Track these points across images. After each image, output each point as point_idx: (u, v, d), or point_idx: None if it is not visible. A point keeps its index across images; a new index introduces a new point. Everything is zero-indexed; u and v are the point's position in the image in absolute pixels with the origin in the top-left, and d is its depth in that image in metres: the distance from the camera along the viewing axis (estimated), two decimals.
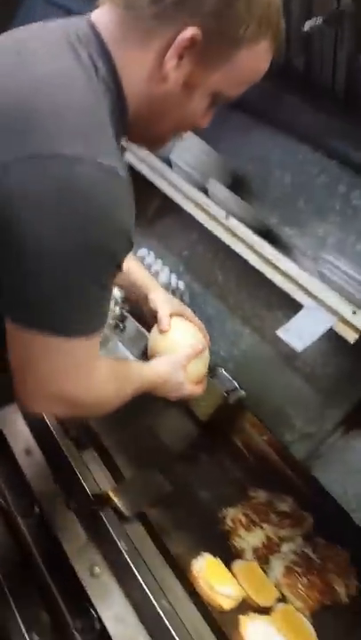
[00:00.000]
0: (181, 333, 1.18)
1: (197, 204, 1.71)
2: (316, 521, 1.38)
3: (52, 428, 1.25)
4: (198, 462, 1.51)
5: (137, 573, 0.98)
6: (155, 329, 1.20)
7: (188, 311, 1.26)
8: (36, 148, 0.62)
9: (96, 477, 1.17)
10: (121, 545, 1.01)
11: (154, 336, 1.20)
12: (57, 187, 0.61)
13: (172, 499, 1.24)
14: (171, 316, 1.19)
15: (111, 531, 1.03)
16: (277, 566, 1.19)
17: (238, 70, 0.76)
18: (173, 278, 1.83)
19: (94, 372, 0.79)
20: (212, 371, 1.60)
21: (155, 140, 0.88)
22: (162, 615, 0.92)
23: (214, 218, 1.66)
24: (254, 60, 0.77)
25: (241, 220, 1.62)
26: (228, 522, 1.25)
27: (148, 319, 1.27)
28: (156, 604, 0.93)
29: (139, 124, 0.79)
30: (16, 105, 0.64)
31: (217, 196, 1.68)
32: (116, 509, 1.09)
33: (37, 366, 0.71)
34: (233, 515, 1.27)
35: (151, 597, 0.94)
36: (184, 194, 1.75)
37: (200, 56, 0.72)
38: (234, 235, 1.63)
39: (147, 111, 0.77)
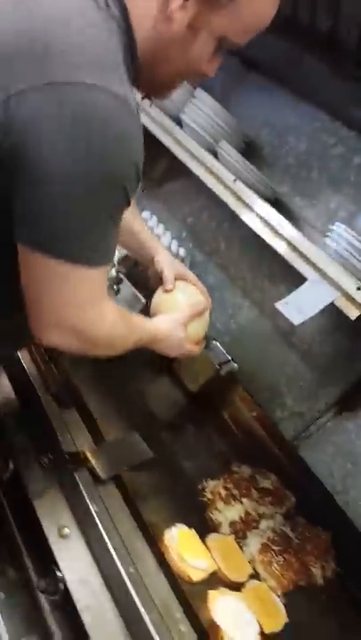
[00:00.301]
0: (184, 294, 1.19)
1: (206, 167, 1.63)
2: (298, 500, 1.35)
3: (34, 383, 1.21)
4: (184, 432, 1.47)
5: (106, 538, 0.94)
6: (159, 289, 1.21)
7: (192, 275, 1.26)
8: (53, 75, 0.62)
9: (75, 437, 1.13)
10: (93, 507, 0.97)
11: (157, 296, 1.21)
12: (74, 112, 0.62)
13: (152, 465, 1.20)
14: (175, 278, 1.20)
15: (84, 492, 0.99)
16: (254, 543, 1.15)
17: (243, 13, 0.75)
18: (174, 244, 1.77)
19: (102, 307, 0.80)
20: (206, 342, 1.56)
21: (161, 86, 0.86)
22: (127, 582, 0.88)
23: (222, 181, 1.59)
24: (259, 2, 0.76)
25: (250, 185, 1.55)
26: (208, 494, 1.22)
27: (152, 281, 1.25)
28: (122, 570, 0.90)
29: (146, 67, 0.78)
30: (32, 36, 0.65)
31: (226, 159, 1.60)
32: (91, 471, 1.05)
33: (48, 294, 0.73)
34: (213, 487, 1.23)
35: (118, 563, 0.91)
36: (192, 155, 1.67)
37: None
38: (241, 200, 1.55)
39: (153, 54, 0.77)
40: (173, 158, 1.74)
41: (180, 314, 1.13)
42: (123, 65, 0.71)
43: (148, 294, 1.23)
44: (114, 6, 0.71)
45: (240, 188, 1.55)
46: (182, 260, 1.74)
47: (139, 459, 1.16)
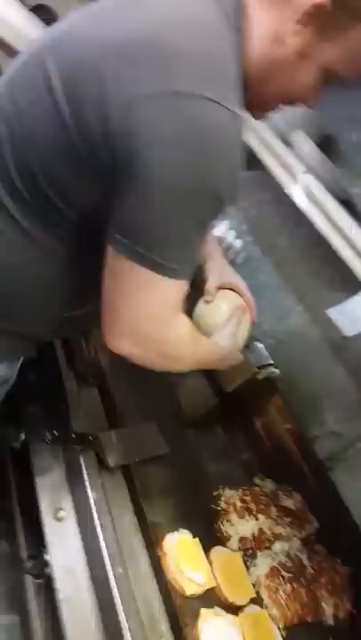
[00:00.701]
0: (226, 303, 1.16)
1: (275, 155, 1.53)
2: (321, 527, 1.23)
3: (58, 357, 1.17)
4: (209, 434, 1.39)
5: (99, 529, 0.87)
6: (202, 299, 1.17)
7: (241, 285, 1.22)
8: (177, 84, 0.62)
9: (89, 417, 1.08)
10: (92, 495, 0.91)
11: (199, 306, 1.17)
12: (192, 124, 0.62)
13: (167, 462, 1.13)
14: (221, 287, 1.17)
15: (86, 476, 0.93)
16: (263, 564, 1.05)
17: (354, 48, 0.73)
18: (232, 235, 1.67)
19: (179, 321, 0.80)
20: (248, 343, 1.48)
21: (257, 107, 0.84)
22: (111, 582, 0.81)
23: (291, 172, 1.49)
24: None
25: (320, 180, 1.44)
26: (222, 503, 1.12)
27: (198, 287, 1.20)
28: (109, 568, 0.83)
29: (246, 85, 0.75)
30: (159, 39, 0.65)
31: (300, 149, 1.50)
32: (99, 456, 0.99)
33: (128, 301, 0.72)
34: (229, 497, 1.14)
35: (107, 560, 0.84)
36: (264, 142, 1.58)
37: (321, 26, 0.70)
38: (309, 194, 1.46)
39: (257, 73, 0.75)
40: (244, 144, 1.66)
41: (229, 328, 1.11)
42: (237, 80, 0.70)
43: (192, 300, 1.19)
44: (237, 19, 0.71)
45: (310, 181, 1.45)
46: (236, 254, 1.65)
47: (153, 452, 1.10)
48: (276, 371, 1.46)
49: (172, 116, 0.62)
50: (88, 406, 1.10)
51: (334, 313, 1.23)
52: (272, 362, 1.48)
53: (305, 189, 1.47)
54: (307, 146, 1.49)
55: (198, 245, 0.72)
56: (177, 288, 0.73)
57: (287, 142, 1.53)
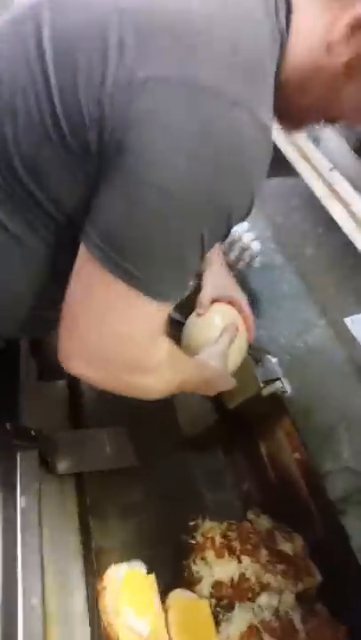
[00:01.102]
0: (220, 316, 1.04)
1: (301, 151, 1.38)
2: (325, 581, 0.99)
3: (21, 347, 1.01)
4: (202, 453, 1.19)
5: (20, 547, 0.69)
6: (195, 312, 1.07)
7: (241, 300, 1.09)
8: (199, 76, 0.52)
9: (48, 414, 0.91)
10: (20, 502, 0.73)
11: (191, 319, 1.07)
12: (211, 130, 0.52)
13: (140, 477, 0.94)
14: (216, 300, 1.06)
15: (18, 479, 0.76)
16: (240, 620, 0.83)
17: None
18: (249, 236, 1.51)
19: (158, 345, 0.67)
20: (257, 355, 1.30)
21: (292, 120, 0.73)
22: (19, 615, 0.62)
23: (316, 169, 1.33)
24: None
25: (350, 179, 1.28)
26: (198, 535, 0.91)
27: (193, 298, 1.10)
28: (20, 599, 0.64)
29: (282, 93, 0.65)
30: (188, 18, 0.55)
31: (328, 147, 1.34)
32: (46, 458, 0.82)
33: (95, 318, 0.60)
34: (208, 529, 0.93)
35: (20, 587, 0.65)
36: (294, 144, 1.43)
37: None
38: (336, 194, 1.29)
39: (297, 81, 0.65)
40: (274, 146, 1.51)
41: (219, 346, 0.96)
42: (273, 86, 0.60)
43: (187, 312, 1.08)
44: (282, 16, 0.61)
45: (337, 178, 1.28)
46: (252, 257, 1.48)
47: (116, 463, 0.91)
48: (286, 386, 1.26)
49: (188, 112, 0.51)
50: (48, 402, 0.93)
51: (352, 321, 1.05)
52: (281, 377, 1.29)
53: (330, 187, 1.31)
54: (334, 143, 1.34)
55: (193, 267, 0.60)
56: (158, 313, 0.60)
57: (318, 142, 1.38)
